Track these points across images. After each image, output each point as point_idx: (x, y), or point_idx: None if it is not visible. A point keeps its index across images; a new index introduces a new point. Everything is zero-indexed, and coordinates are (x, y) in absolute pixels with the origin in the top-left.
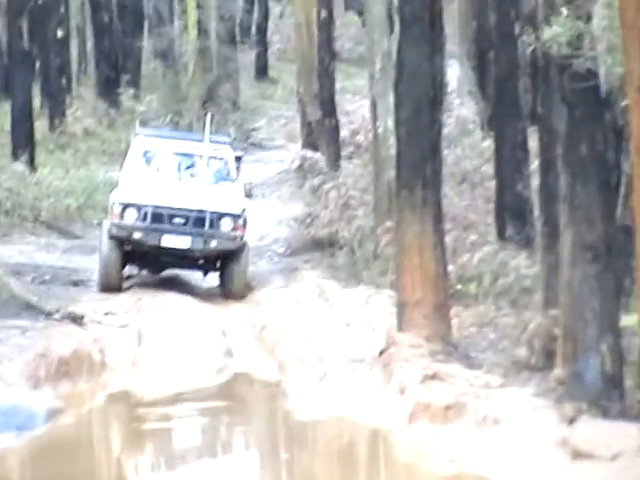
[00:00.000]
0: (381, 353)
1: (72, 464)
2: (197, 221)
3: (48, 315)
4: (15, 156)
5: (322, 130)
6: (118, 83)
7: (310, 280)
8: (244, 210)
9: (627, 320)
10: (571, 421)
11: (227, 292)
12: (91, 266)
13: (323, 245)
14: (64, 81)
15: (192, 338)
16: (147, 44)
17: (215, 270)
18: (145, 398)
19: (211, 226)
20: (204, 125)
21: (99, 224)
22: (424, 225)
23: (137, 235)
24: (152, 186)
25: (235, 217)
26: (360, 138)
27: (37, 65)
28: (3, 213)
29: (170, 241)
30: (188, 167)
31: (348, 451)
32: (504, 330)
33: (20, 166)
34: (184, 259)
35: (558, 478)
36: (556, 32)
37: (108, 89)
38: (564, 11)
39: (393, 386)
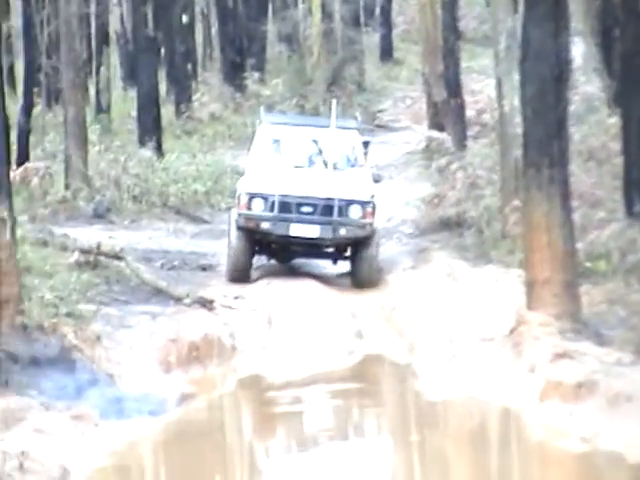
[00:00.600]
0: (511, 332)
1: (204, 449)
2: (325, 209)
3: (178, 300)
4: (142, 142)
5: (448, 110)
6: (243, 67)
7: (439, 260)
8: (373, 196)
9: None
10: None
11: (357, 281)
12: (219, 250)
13: (451, 225)
14: (189, 67)
15: (322, 321)
16: (271, 28)
17: (345, 259)
18: (276, 382)
19: (340, 214)
20: (330, 109)
21: (227, 209)
22: (552, 203)
23: (265, 225)
24: (278, 175)
25: (364, 204)
26: (486, 117)
27: (162, 51)
28: (131, 199)
29: (298, 230)
30: (315, 154)
31: (480, 431)
32: (634, 307)
33: (147, 152)
34: (313, 248)
35: None
36: None
37: (234, 74)
38: None
39: (523, 365)
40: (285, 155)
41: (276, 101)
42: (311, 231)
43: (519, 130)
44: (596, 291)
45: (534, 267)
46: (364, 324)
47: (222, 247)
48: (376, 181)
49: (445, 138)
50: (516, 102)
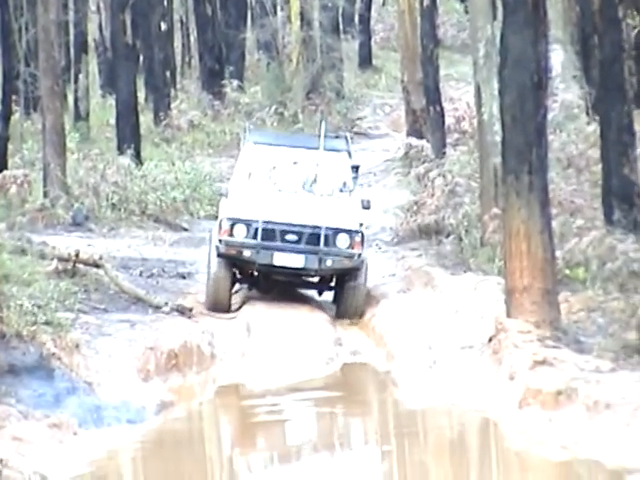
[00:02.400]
0: (490, 340)
1: (183, 458)
2: (311, 238)
3: (157, 308)
4: (121, 150)
5: (427, 118)
6: (222, 75)
7: (417, 268)
8: (362, 225)
9: None
10: None
11: (342, 312)
12: (198, 258)
13: (430, 233)
14: (168, 74)
15: (301, 328)
16: (250, 35)
17: (330, 289)
18: (255, 390)
19: (326, 243)
20: (319, 130)
21: (206, 216)
22: (531, 211)
23: (247, 253)
24: (262, 199)
25: (352, 233)
26: (465, 125)
27: (141, 59)
28: (110, 207)
29: (283, 259)
30: (301, 177)
31: (459, 439)
32: (613, 314)
33: (126, 160)
34: (297, 278)
35: None
36: None
37: (212, 81)
38: None
39: (503, 372)
40: (270, 178)
41: (255, 109)
42: (296, 261)
43: (498, 138)
44: (575, 299)
45: (513, 275)
46: (343, 331)
47: (201, 255)
48: (365, 208)
49: (424, 145)
50: (495, 110)
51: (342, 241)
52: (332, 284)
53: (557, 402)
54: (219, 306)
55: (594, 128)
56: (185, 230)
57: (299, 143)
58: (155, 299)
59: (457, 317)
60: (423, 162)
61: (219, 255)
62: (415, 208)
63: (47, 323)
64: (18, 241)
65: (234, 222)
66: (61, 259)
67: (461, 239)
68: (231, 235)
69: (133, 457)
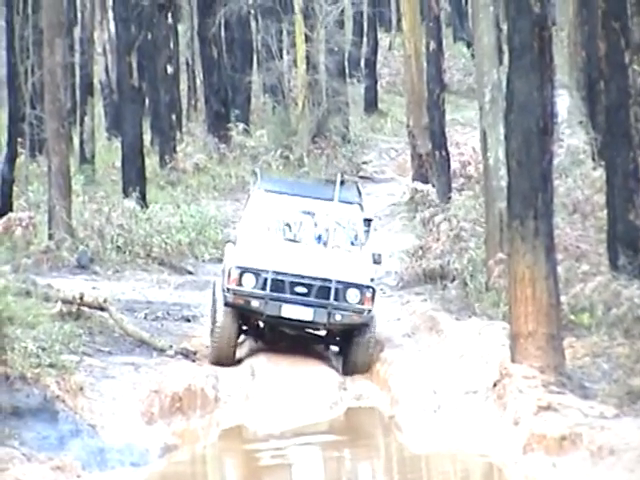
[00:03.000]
0: (495, 385)
1: None
2: (321, 291)
3: (161, 351)
4: (126, 193)
5: (433, 162)
6: (228, 118)
7: (422, 312)
8: (373, 280)
9: None
10: None
11: (349, 368)
12: (203, 302)
13: (435, 277)
14: (174, 117)
15: (305, 373)
16: (256, 79)
17: (336, 344)
18: (259, 433)
19: (336, 297)
20: (332, 176)
21: (211, 260)
22: (536, 256)
23: (255, 304)
24: (272, 249)
25: (363, 288)
26: (471, 170)
27: (147, 101)
28: (115, 250)
29: (291, 312)
30: (313, 229)
31: None
32: (618, 360)
33: (131, 203)
34: (304, 331)
35: None
36: None
37: (218, 124)
38: None
39: (507, 417)
40: (280, 227)
41: (260, 152)
42: (304, 314)
43: (504, 183)
44: (580, 344)
45: (518, 320)
46: (347, 376)
47: (205, 298)
48: (376, 262)
49: (429, 190)
50: (501, 154)
51: (352, 296)
52: (338, 338)
53: (561, 447)
54: (224, 358)
55: (600, 174)
56: (190, 273)
57: (312, 193)
58: (160, 342)
59: (462, 362)
60: (428, 206)
61: (226, 304)
62: (420, 252)
63: (51, 365)
64: (23, 283)
65: (243, 271)
66: (66, 301)
67: (466, 284)
68: (239, 284)
69: None
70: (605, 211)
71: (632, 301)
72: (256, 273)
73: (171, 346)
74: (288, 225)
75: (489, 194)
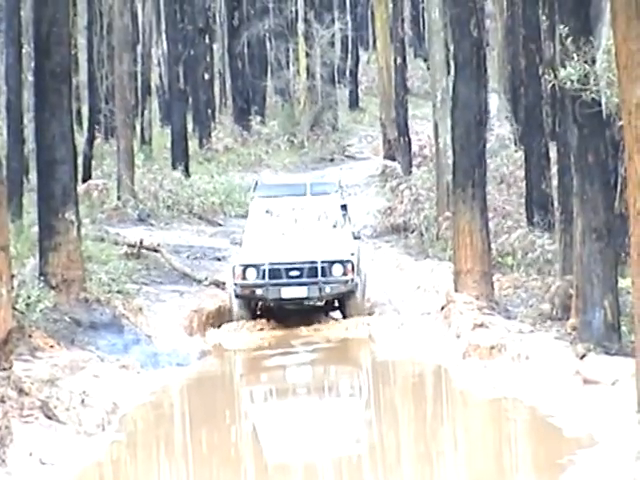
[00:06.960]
0: (442, 308)
1: (217, 390)
2: (310, 271)
3: (199, 282)
4: (174, 166)
5: (398, 145)
6: (249, 112)
7: (390, 255)
8: (353, 254)
9: (623, 283)
10: (582, 357)
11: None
12: (230, 246)
13: (399, 229)
14: (209, 111)
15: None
16: (270, 83)
17: (334, 309)
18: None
19: (323, 274)
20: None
21: (236, 216)
22: (473, 214)
23: (259, 292)
24: (267, 244)
25: (344, 262)
26: (426, 151)
27: (190, 100)
28: (166, 208)
29: (289, 292)
30: (299, 221)
31: (419, 382)
32: (532, 291)
33: (178, 174)
34: (304, 304)
35: (572, 398)
36: (569, 72)
37: (242, 117)
38: (575, 57)
39: (451, 332)
40: (273, 225)
41: (272, 137)
42: (300, 292)
43: (450, 161)
44: (505, 279)
45: (460, 261)
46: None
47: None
48: (356, 238)
49: (396, 166)
50: (448, 140)
51: (336, 270)
52: (335, 305)
53: (491, 354)
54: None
55: (520, 155)
56: (220, 225)
57: (293, 192)
58: (198, 275)
59: (418, 291)
60: (395, 178)
61: (237, 296)
62: (389, 211)
63: (119, 292)
64: (98, 232)
65: (245, 267)
66: (129, 245)
67: (422, 234)
68: (244, 278)
69: (181, 390)
70: (524, 182)
71: (543, 248)
72: (256, 267)
73: (206, 278)
74: (279, 221)
75: (439, 169)
